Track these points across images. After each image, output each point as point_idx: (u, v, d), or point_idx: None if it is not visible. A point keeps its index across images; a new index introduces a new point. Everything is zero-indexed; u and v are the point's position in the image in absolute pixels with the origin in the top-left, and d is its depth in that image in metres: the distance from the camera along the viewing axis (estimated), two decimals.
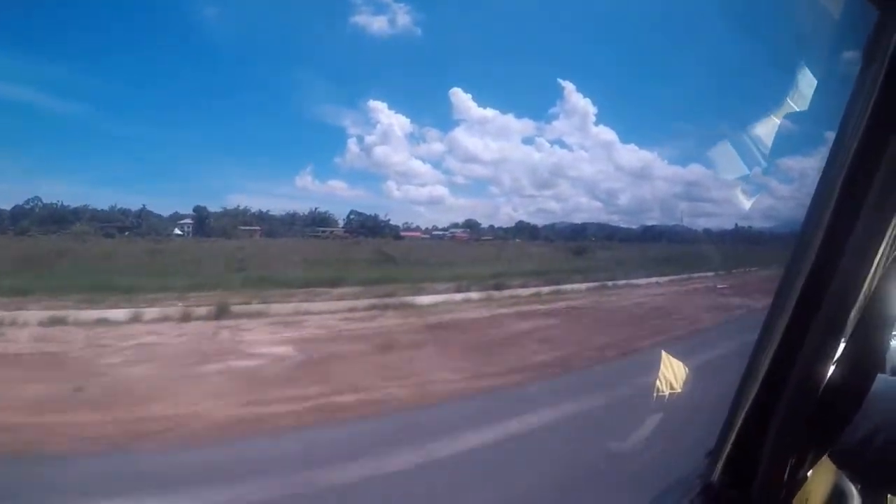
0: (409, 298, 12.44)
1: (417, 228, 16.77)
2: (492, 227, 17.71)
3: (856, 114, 1.28)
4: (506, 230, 17.64)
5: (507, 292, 14.00)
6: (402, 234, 16.66)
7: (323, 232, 15.97)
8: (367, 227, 16.11)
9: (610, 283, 15.22)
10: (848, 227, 1.28)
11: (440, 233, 17.01)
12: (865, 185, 1.23)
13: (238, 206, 15.23)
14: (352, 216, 16.49)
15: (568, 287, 14.70)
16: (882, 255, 1.32)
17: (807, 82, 1.87)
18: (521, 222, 17.98)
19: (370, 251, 14.90)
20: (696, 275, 16.29)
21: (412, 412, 6.93)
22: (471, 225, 17.63)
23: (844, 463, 1.65)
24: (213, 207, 15.45)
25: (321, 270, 13.03)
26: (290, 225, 15.78)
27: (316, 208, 16.16)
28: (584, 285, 15.03)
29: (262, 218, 15.44)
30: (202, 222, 15.03)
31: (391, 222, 16.37)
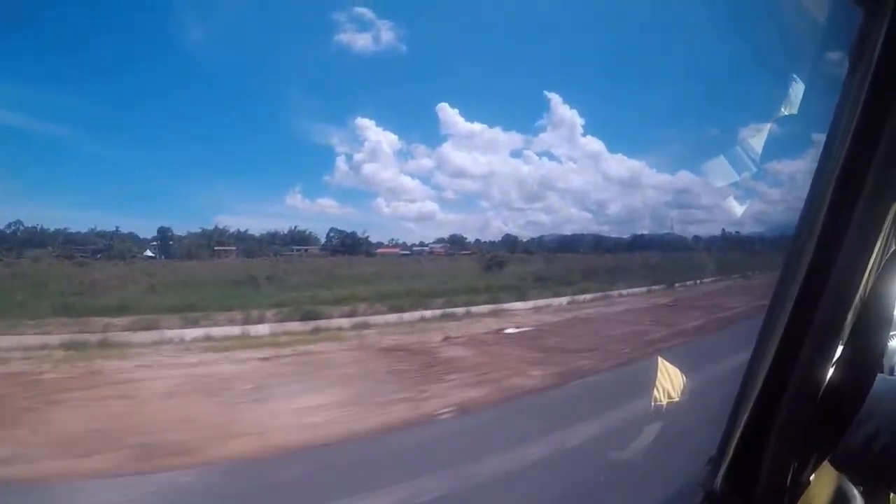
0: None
1: (396, 245, 16.64)
2: (478, 241, 17.65)
3: (845, 116, 1.28)
4: (492, 244, 17.57)
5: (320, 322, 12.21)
6: (379, 251, 16.55)
7: (297, 250, 15.84)
8: (346, 245, 15.97)
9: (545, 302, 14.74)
10: (841, 229, 1.28)
11: (420, 248, 16.89)
12: (857, 186, 1.23)
13: (216, 226, 15.07)
14: (331, 234, 16.41)
15: (460, 311, 13.50)
16: (876, 256, 1.32)
17: (795, 86, 1.88)
18: (507, 235, 17.94)
19: (240, 272, 14.38)
20: (654, 288, 15.89)
21: None
22: (455, 240, 17.54)
23: (846, 466, 1.63)
24: (196, 228, 15.31)
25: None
26: (270, 244, 15.62)
27: (296, 227, 16.07)
28: (488, 307, 13.99)
29: (240, 238, 15.26)
30: (166, 244, 14.81)
31: (370, 239, 16.24)
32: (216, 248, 15.27)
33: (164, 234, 14.95)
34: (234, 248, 15.30)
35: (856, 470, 1.65)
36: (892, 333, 2.79)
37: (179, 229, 15.09)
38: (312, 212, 16.22)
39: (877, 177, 1.21)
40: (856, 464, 1.60)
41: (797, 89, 1.89)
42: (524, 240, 17.88)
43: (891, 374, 2.70)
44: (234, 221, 16.06)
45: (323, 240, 15.99)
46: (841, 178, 1.27)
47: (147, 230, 15.65)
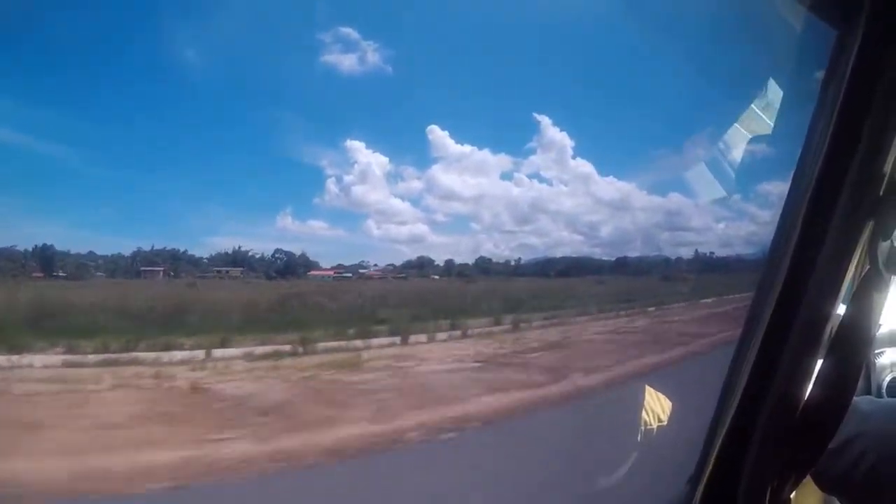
0: None
1: (339, 267, 16.27)
2: (451, 261, 17.45)
3: (818, 134, 1.29)
4: (468, 266, 17.40)
5: None
6: (312, 272, 16.17)
7: (218, 272, 15.32)
8: (289, 267, 15.59)
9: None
10: (816, 246, 1.28)
11: (363, 270, 16.56)
12: (831, 203, 1.24)
13: (165, 246, 14.65)
14: (277, 254, 16.02)
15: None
16: (852, 274, 1.32)
17: (771, 106, 1.90)
18: (481, 258, 17.79)
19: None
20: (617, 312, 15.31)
21: None
22: (423, 263, 17.32)
23: (832, 487, 1.63)
24: (184, 247, 15.13)
25: None
26: (209, 265, 15.14)
27: (240, 247, 15.61)
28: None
29: (176, 258, 14.78)
30: (49, 262, 14.20)
31: (313, 260, 15.86)
32: (143, 268, 14.83)
33: (44, 252, 14.24)
34: (161, 268, 14.86)
35: (842, 490, 1.64)
36: (878, 351, 2.82)
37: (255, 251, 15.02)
38: (303, 233, 16.04)
39: (851, 194, 1.21)
40: (842, 484, 1.59)
41: (773, 109, 1.91)
42: (500, 262, 17.77)
43: (879, 392, 2.72)
44: (225, 242, 15.83)
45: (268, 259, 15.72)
46: (815, 196, 1.27)
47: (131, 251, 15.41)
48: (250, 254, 15.22)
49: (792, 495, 1.52)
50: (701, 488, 1.55)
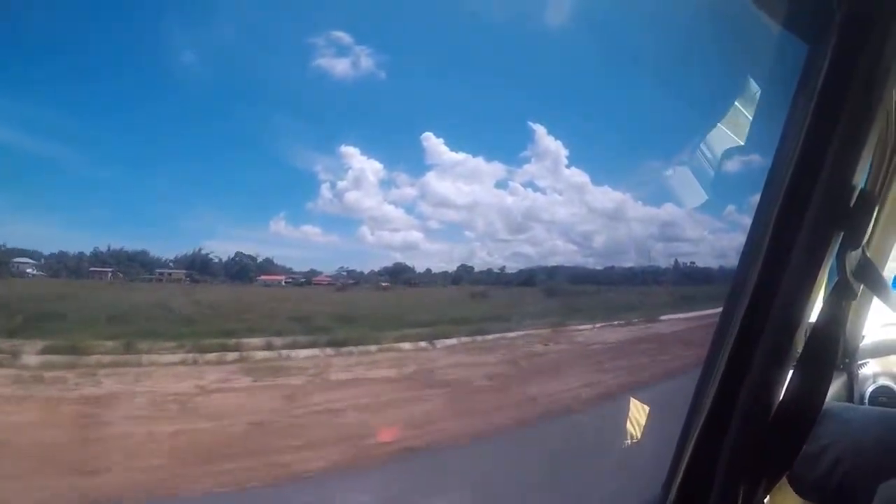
0: None
1: (285, 272, 16.01)
2: (428, 270, 17.28)
3: (788, 146, 1.31)
4: (445, 275, 17.21)
5: None
6: (262, 277, 15.90)
7: (161, 274, 14.96)
8: (242, 271, 15.34)
9: None
10: (785, 257, 1.30)
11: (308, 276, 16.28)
12: (802, 212, 1.26)
13: (109, 246, 14.41)
14: (236, 257, 15.82)
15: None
16: (820, 284, 1.35)
17: (751, 116, 1.93)
18: (462, 266, 17.68)
19: None
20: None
21: None
22: (398, 270, 17.11)
23: (808, 492, 1.65)
24: (181, 251, 14.94)
25: None
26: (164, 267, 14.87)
27: (200, 249, 15.39)
28: None
29: (131, 259, 14.54)
30: None
31: (282, 265, 15.60)
32: (92, 269, 14.51)
33: None
34: (109, 269, 14.61)
35: (818, 495, 1.66)
36: (861, 362, 2.88)
37: (166, 252, 14.71)
38: (297, 238, 15.89)
39: (821, 204, 1.24)
40: (818, 489, 1.62)
41: (747, 121, 1.94)
42: (481, 270, 17.60)
43: (861, 402, 2.78)
44: (220, 246, 15.63)
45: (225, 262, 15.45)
46: (785, 206, 1.29)
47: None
48: (210, 256, 14.85)
49: (766, 500, 1.54)
50: (674, 492, 1.56)
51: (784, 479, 1.56)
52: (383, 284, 15.55)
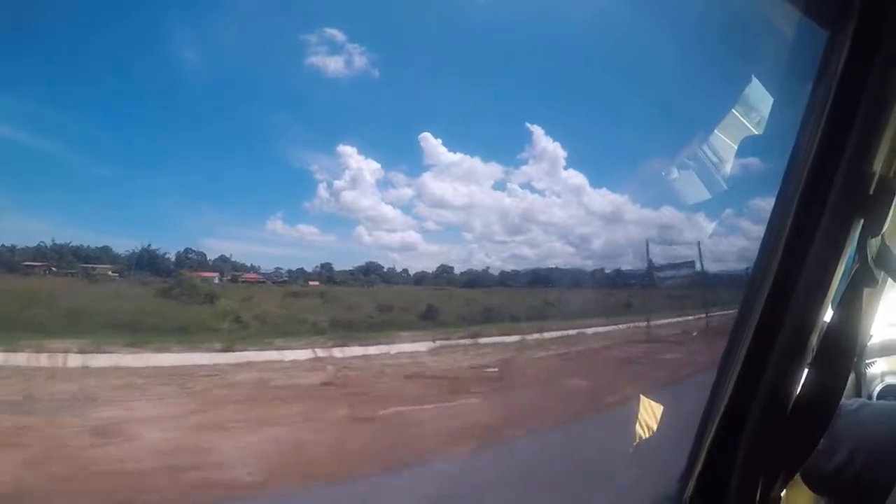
0: None
1: (215, 269, 15.82)
2: (406, 271, 17.32)
3: (807, 136, 1.30)
4: (423, 274, 17.18)
5: None
6: (200, 274, 15.73)
7: (86, 269, 14.79)
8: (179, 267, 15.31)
9: None
10: (804, 250, 1.30)
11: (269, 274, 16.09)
12: (822, 199, 1.25)
13: (81, 244, 14.39)
14: (189, 253, 15.93)
15: None
16: (839, 278, 1.33)
17: (769, 105, 1.91)
18: (442, 266, 17.67)
19: None
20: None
21: None
22: (370, 269, 17.13)
23: (822, 488, 1.64)
24: (180, 249, 15.05)
25: None
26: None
27: (149, 245, 15.42)
28: None
29: (74, 253, 14.46)
30: None
31: (240, 263, 15.56)
32: (25, 263, 14.51)
33: None
34: (40, 264, 14.62)
35: (832, 492, 1.66)
36: (869, 361, 2.86)
37: (166, 251, 14.93)
38: (294, 238, 16.10)
39: (841, 191, 1.23)
40: (832, 486, 1.61)
41: (765, 110, 1.92)
42: (461, 272, 17.39)
43: (870, 398, 2.76)
44: (219, 245, 15.83)
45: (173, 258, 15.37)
46: (805, 194, 1.29)
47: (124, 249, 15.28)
48: (159, 252, 14.97)
49: (783, 494, 1.54)
50: (691, 486, 1.56)
51: (797, 475, 1.56)
52: (311, 283, 15.64)
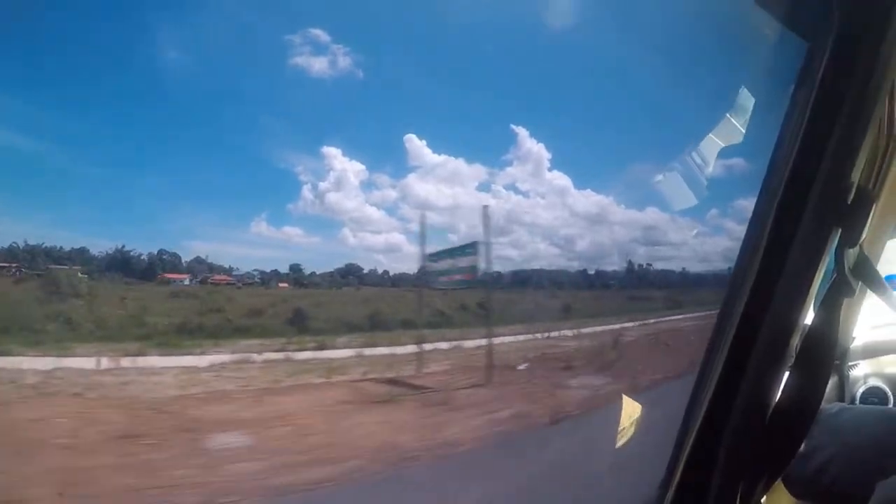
0: None
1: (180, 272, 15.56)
2: (386, 272, 17.19)
3: (786, 143, 1.32)
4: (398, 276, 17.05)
5: None
6: (168, 275, 15.54)
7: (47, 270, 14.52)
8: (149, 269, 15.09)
9: None
10: (785, 251, 1.30)
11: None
12: (800, 208, 1.26)
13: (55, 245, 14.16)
14: (163, 255, 15.80)
15: None
16: (818, 283, 1.34)
17: (749, 114, 1.93)
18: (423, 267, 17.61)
19: None
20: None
21: None
22: (350, 271, 16.97)
23: (802, 492, 1.65)
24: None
25: None
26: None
27: (123, 246, 15.17)
28: None
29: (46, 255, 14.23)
30: None
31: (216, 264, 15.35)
32: None
33: None
34: (7, 265, 14.43)
35: (812, 496, 1.67)
36: (851, 364, 2.89)
37: (153, 250, 14.73)
38: (278, 239, 15.99)
39: (819, 201, 1.24)
40: (811, 489, 1.62)
41: (745, 119, 1.94)
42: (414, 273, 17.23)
43: (852, 403, 2.79)
44: (204, 247, 15.70)
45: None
46: (783, 203, 1.29)
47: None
48: (133, 253, 14.77)
49: (763, 499, 1.54)
50: (672, 491, 1.56)
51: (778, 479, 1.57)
52: (281, 285, 15.50)
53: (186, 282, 14.63)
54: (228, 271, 15.08)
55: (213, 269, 15.18)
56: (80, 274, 13.08)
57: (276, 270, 15.67)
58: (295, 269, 15.66)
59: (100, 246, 14.45)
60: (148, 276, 14.62)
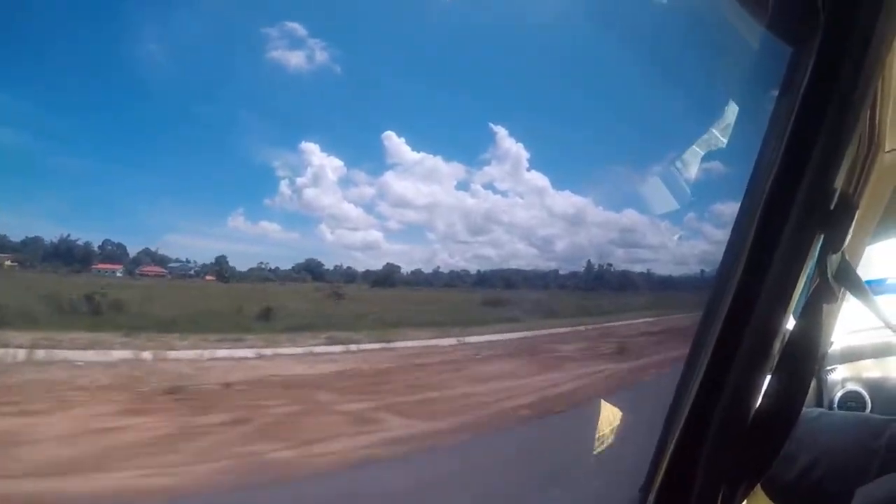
0: None
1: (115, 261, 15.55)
2: (339, 267, 17.07)
3: (770, 149, 1.31)
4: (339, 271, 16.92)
5: None
6: (99, 266, 15.61)
7: None
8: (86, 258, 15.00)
9: None
10: (768, 257, 1.30)
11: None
12: (784, 214, 1.26)
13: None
14: (108, 245, 15.70)
15: None
16: (801, 289, 1.35)
17: (733, 120, 1.94)
18: (390, 265, 17.49)
19: None
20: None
21: None
22: (311, 266, 16.85)
23: (782, 498, 1.65)
24: (141, 244, 14.73)
25: None
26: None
27: (68, 235, 15.07)
28: None
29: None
30: None
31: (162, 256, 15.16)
32: None
33: None
34: None
35: (791, 501, 1.67)
36: (829, 368, 2.93)
37: (130, 244, 14.54)
38: (255, 234, 15.80)
39: (802, 207, 1.24)
40: (790, 494, 1.62)
41: (729, 124, 1.95)
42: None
43: (830, 408, 2.82)
44: (181, 240, 15.50)
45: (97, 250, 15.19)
46: (766, 209, 1.29)
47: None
48: (78, 242, 14.59)
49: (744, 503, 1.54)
50: (652, 496, 1.56)
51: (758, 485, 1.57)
52: (207, 278, 15.15)
53: (119, 273, 14.40)
54: (185, 264, 14.73)
55: (162, 261, 14.84)
56: (9, 262, 12.80)
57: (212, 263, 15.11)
58: (221, 261, 15.19)
59: (53, 235, 14.18)
60: (86, 267, 14.45)
